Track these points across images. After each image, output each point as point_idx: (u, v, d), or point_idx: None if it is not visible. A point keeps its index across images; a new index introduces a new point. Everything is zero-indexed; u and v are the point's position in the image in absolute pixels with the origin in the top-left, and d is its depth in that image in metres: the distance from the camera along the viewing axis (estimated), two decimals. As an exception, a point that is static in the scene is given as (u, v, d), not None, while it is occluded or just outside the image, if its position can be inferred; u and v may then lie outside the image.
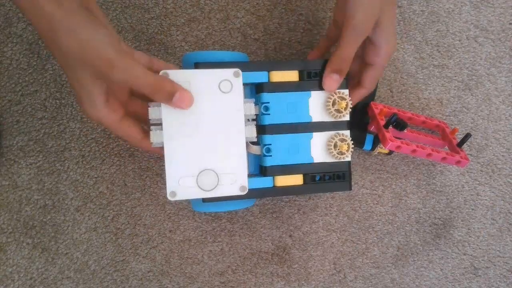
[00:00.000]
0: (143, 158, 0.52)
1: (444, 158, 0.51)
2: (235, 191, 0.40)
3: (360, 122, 0.55)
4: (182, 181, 0.40)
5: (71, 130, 0.51)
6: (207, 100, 0.39)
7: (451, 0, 0.58)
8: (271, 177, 0.43)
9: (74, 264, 0.52)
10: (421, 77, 0.58)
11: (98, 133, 0.52)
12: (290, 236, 0.56)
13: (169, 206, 0.53)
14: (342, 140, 0.44)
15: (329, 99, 0.43)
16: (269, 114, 0.42)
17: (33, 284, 0.51)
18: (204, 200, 0.41)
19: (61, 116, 0.51)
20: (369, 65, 0.45)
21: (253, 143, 0.43)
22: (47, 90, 0.50)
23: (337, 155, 0.44)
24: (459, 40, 0.58)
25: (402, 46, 0.57)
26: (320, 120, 0.44)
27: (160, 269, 0.53)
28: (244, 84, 0.42)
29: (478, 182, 0.60)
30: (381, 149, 0.54)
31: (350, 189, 0.45)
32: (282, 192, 0.44)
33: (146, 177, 0.53)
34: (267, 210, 0.55)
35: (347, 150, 0.44)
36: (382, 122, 0.50)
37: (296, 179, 0.44)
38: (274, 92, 0.42)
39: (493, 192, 0.60)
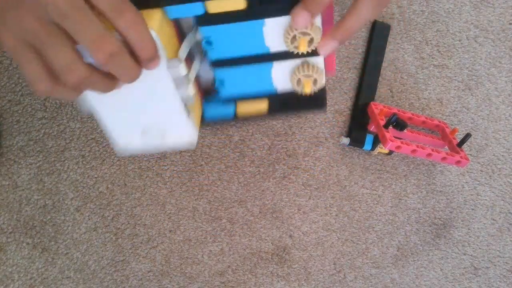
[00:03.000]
0: (143, 158, 0.52)
1: (444, 158, 0.51)
2: (183, 144, 0.36)
3: (360, 122, 0.55)
4: (127, 137, 0.36)
5: (71, 130, 0.51)
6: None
7: (451, 0, 0.58)
8: (232, 105, 0.37)
9: (74, 264, 0.52)
10: (421, 77, 0.58)
11: (98, 133, 0.52)
12: (290, 236, 0.56)
13: (169, 206, 0.53)
14: (308, 76, 0.35)
15: (288, 34, 0.33)
16: (214, 48, 0.35)
17: (33, 284, 0.51)
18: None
19: (61, 116, 0.51)
20: None
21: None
22: (47, 90, 0.50)
23: (302, 88, 0.36)
24: (459, 40, 0.58)
25: (402, 46, 0.57)
26: (281, 50, 0.35)
27: (160, 269, 0.53)
28: (180, 20, 0.34)
29: (478, 182, 0.60)
30: (381, 149, 0.54)
31: (324, 107, 0.37)
32: (245, 118, 0.38)
33: (146, 177, 0.53)
34: (267, 210, 0.55)
35: (315, 85, 0.35)
36: (382, 122, 0.50)
37: (260, 104, 0.37)
38: (215, 24, 0.34)
39: (493, 192, 0.60)
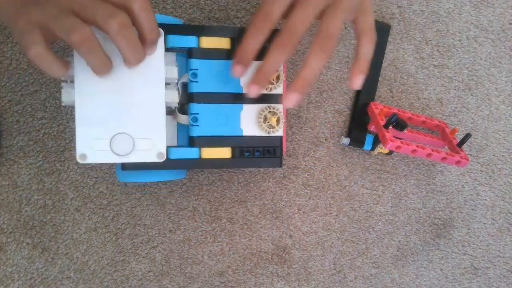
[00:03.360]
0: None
1: (444, 158, 0.51)
2: (152, 158, 0.38)
3: (360, 122, 0.55)
4: (94, 143, 0.36)
5: (71, 130, 0.51)
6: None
7: (451, 0, 0.58)
8: (197, 148, 0.41)
9: (74, 264, 0.52)
10: (421, 77, 0.58)
11: (98, 133, 0.52)
12: (290, 236, 0.56)
13: (169, 206, 0.53)
14: (273, 114, 0.42)
15: None
16: (197, 81, 0.40)
17: (33, 284, 0.51)
18: (123, 167, 0.39)
19: (61, 116, 0.51)
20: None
21: (182, 113, 0.41)
22: (47, 90, 0.50)
23: (267, 128, 0.41)
24: (459, 40, 0.58)
25: (402, 46, 0.57)
26: None
27: (160, 269, 0.53)
28: (174, 49, 0.40)
29: (478, 182, 0.60)
30: (381, 149, 0.54)
31: (281, 165, 0.43)
32: (209, 164, 0.41)
33: (146, 177, 0.53)
34: (267, 210, 0.55)
35: (277, 124, 0.42)
36: (382, 122, 0.51)
37: (224, 152, 0.41)
38: (204, 58, 0.40)
39: (493, 192, 0.60)
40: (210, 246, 0.54)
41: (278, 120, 0.42)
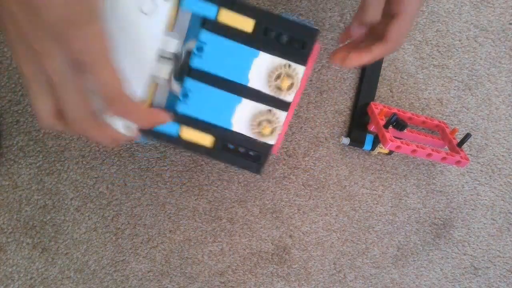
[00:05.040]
0: (143, 158, 0.52)
1: (444, 158, 0.51)
2: (121, 129, 0.34)
3: (360, 122, 0.55)
4: None
5: (71, 130, 0.51)
6: (122, 20, 0.32)
7: (451, 0, 0.58)
8: (177, 125, 0.37)
9: (74, 264, 0.52)
10: (421, 77, 0.58)
11: (98, 133, 0.52)
12: (290, 236, 0.56)
13: (169, 206, 0.53)
14: (269, 122, 0.37)
15: (274, 70, 0.36)
16: (201, 56, 0.35)
17: (33, 284, 0.51)
18: None
19: (61, 116, 0.51)
20: (394, 15, 0.38)
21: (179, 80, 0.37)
22: (47, 90, 0.50)
23: (258, 132, 0.37)
24: (459, 40, 0.58)
25: (402, 46, 0.57)
26: (257, 88, 0.37)
27: (160, 269, 0.53)
28: (189, 14, 0.35)
29: (478, 182, 0.60)
30: (381, 149, 0.54)
31: (259, 173, 0.39)
32: (186, 146, 0.37)
33: (146, 177, 0.53)
34: (267, 210, 0.55)
35: (271, 133, 0.37)
36: (382, 122, 0.51)
37: (206, 139, 0.37)
38: (217, 34, 0.35)
39: (493, 192, 0.60)
40: (210, 246, 0.54)
41: (273, 130, 0.38)
